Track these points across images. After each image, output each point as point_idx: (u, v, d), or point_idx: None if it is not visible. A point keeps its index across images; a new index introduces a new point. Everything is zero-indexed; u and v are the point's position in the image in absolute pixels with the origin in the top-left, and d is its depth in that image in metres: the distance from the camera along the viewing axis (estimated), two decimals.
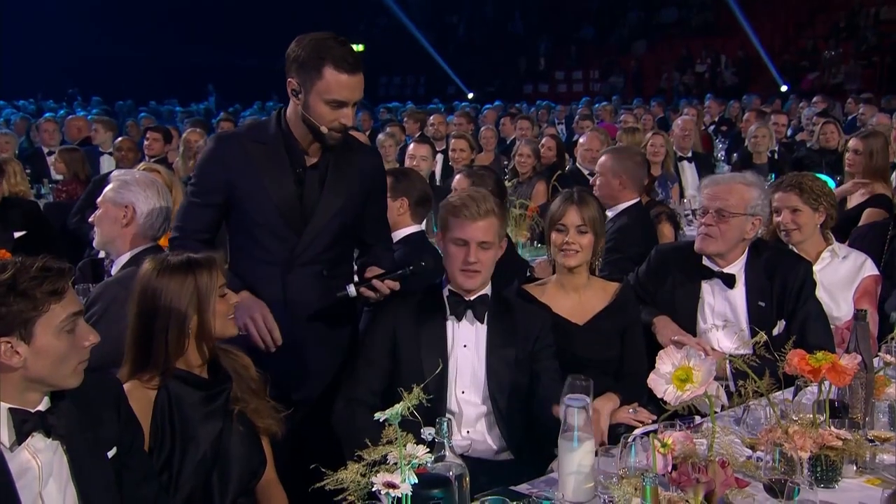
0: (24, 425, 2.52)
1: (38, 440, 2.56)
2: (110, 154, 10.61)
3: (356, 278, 3.79)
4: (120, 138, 10.08)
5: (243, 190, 3.67)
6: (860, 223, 6.18)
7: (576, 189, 4.19)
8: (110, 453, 2.72)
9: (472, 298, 3.64)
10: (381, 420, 2.35)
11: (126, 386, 3.02)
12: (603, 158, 5.89)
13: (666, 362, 2.69)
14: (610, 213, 5.66)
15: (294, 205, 3.68)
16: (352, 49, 3.54)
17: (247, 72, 27.28)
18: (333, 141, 3.61)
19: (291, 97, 3.61)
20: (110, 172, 8.96)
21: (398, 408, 2.32)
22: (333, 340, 3.86)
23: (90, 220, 4.32)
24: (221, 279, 3.16)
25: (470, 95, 28.37)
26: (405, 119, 13.26)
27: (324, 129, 3.55)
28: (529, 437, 3.60)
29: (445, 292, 3.68)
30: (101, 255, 6.30)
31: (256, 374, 3.29)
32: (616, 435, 3.59)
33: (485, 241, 3.60)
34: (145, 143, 9.96)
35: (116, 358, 3.64)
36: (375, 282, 3.58)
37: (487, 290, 3.68)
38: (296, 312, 3.71)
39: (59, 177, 9.78)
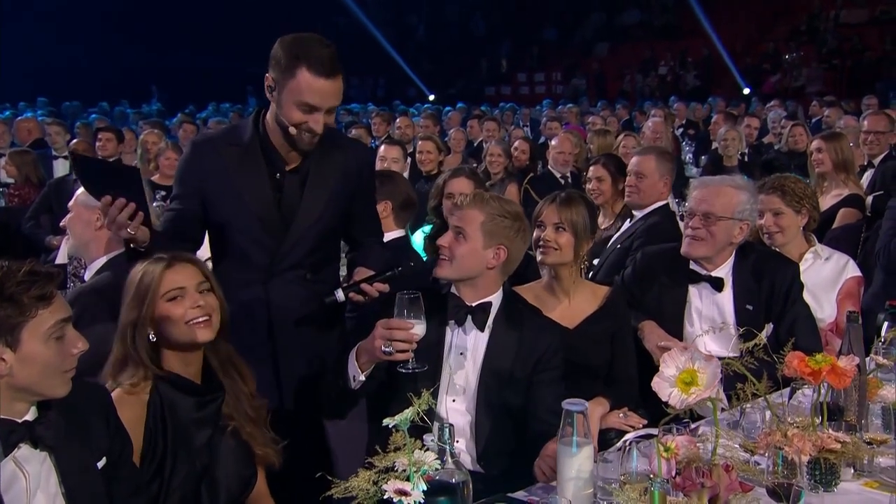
0: (10, 436, 2.45)
1: (25, 451, 2.49)
2: (65, 157, 10.41)
3: (343, 280, 3.73)
4: (74, 140, 9.89)
5: (218, 196, 3.60)
6: (834, 224, 6.21)
7: (567, 190, 4.18)
8: (100, 464, 2.67)
9: (472, 304, 3.55)
10: (390, 426, 2.30)
11: (118, 392, 2.98)
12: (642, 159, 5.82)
13: (670, 365, 2.66)
14: (638, 214, 5.71)
15: (272, 211, 3.60)
16: (332, 54, 3.46)
17: (195, 72, 26.85)
18: (303, 145, 3.53)
19: (267, 94, 3.54)
20: (66, 176, 8.88)
21: (408, 413, 2.28)
22: (319, 346, 3.77)
23: (61, 224, 4.23)
24: (171, 285, 3.05)
25: (431, 97, 28.27)
26: (373, 120, 13.17)
27: (292, 130, 3.48)
28: (503, 454, 3.51)
29: (449, 294, 3.61)
30: (59, 260, 6.18)
31: (258, 402, 3.25)
32: (606, 440, 3.58)
33: (456, 228, 3.54)
34: (98, 143, 9.80)
35: (92, 368, 3.55)
36: (364, 285, 3.50)
37: (492, 298, 3.58)
38: (279, 318, 3.65)
39: (10, 180, 9.52)
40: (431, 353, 3.43)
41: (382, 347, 3.22)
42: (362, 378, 3.37)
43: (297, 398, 3.72)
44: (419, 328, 3.20)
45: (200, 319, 3.07)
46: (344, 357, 3.47)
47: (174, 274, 3.07)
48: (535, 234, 3.98)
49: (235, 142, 3.65)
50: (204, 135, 4.38)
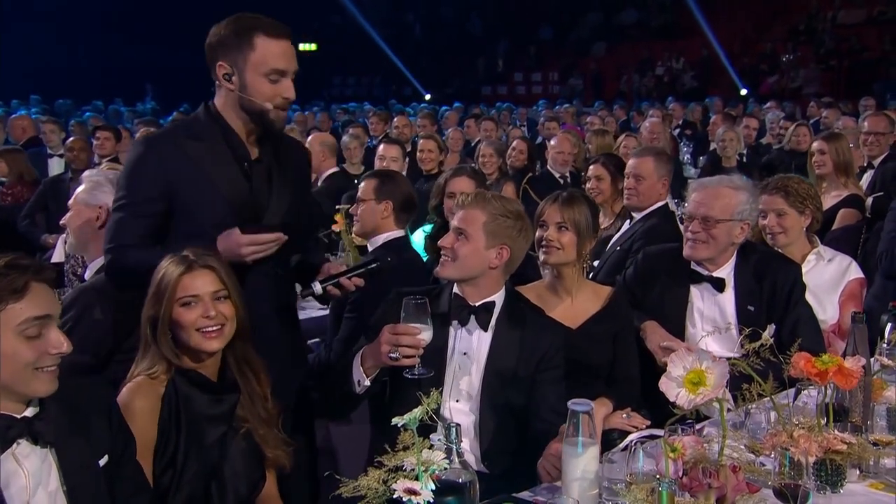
0: (7, 432, 2.43)
1: (24, 447, 2.47)
2: (60, 156, 10.35)
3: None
4: (71, 139, 9.73)
5: (189, 193, 3.42)
6: (834, 225, 6.21)
7: (569, 189, 4.17)
8: (102, 461, 2.65)
9: (476, 304, 3.55)
10: (399, 425, 2.29)
11: (137, 379, 2.99)
12: (640, 161, 5.77)
13: (677, 365, 2.65)
14: (637, 216, 5.68)
15: (246, 201, 3.48)
16: (276, 19, 3.42)
17: (187, 71, 26.61)
18: (280, 121, 3.46)
19: (223, 84, 3.42)
20: (62, 174, 8.83)
21: (417, 412, 2.27)
22: (292, 342, 3.77)
23: (61, 222, 4.21)
24: (186, 291, 3.03)
25: (427, 97, 28.23)
26: (370, 119, 13.14)
27: (268, 107, 3.38)
28: (506, 453, 3.50)
29: (451, 296, 3.60)
30: (55, 258, 6.16)
31: (271, 403, 3.23)
32: (609, 440, 3.55)
33: (458, 228, 3.53)
34: (95, 142, 9.69)
35: (94, 368, 3.54)
36: (342, 279, 3.49)
37: (495, 298, 3.58)
38: (254, 313, 3.47)
39: (3, 179, 9.40)
40: (434, 353, 3.41)
41: (389, 353, 3.21)
42: (367, 383, 3.36)
43: (274, 394, 3.66)
44: (426, 334, 3.19)
45: (211, 329, 3.04)
46: (346, 361, 3.46)
47: (191, 280, 3.04)
48: (537, 234, 3.97)
49: (195, 135, 3.50)
50: (156, 134, 4.22)
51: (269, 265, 3.53)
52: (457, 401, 3.51)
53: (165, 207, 3.44)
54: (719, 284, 4.17)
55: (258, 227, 3.30)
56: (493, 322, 3.54)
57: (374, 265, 3.53)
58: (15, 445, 2.45)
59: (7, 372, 2.39)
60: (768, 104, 17.05)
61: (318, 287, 3.48)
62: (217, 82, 3.47)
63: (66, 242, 4.74)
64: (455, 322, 3.54)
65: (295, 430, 3.61)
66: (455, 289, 3.59)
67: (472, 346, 3.53)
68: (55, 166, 10.44)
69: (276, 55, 3.36)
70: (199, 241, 3.37)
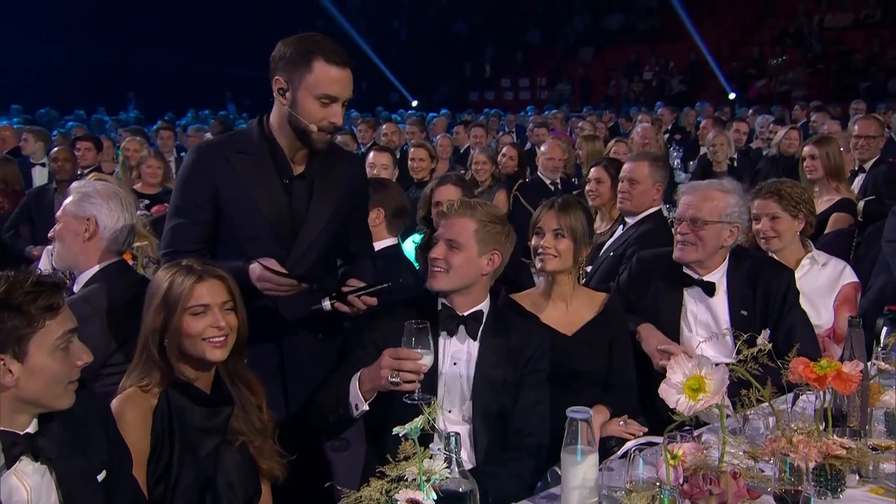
0: (13, 448, 2.44)
1: (25, 464, 2.48)
2: (42, 165, 10.27)
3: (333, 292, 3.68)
4: (56, 148, 9.60)
5: (231, 203, 3.53)
6: (827, 229, 6.20)
7: (563, 196, 4.15)
8: (100, 477, 2.64)
9: (465, 314, 3.53)
10: (400, 435, 2.27)
11: (129, 390, 2.99)
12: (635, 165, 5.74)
13: (677, 371, 2.64)
14: (630, 220, 5.66)
15: (284, 216, 3.55)
16: (340, 46, 3.49)
17: (172, 77, 26.49)
18: (321, 143, 3.52)
19: (277, 98, 3.52)
20: (46, 185, 8.74)
21: (418, 422, 2.25)
22: (325, 356, 3.74)
23: (49, 235, 4.16)
24: (198, 300, 3.03)
25: (414, 103, 28.20)
26: (358, 126, 13.11)
27: (312, 128, 3.45)
28: (501, 459, 3.48)
29: (439, 306, 3.57)
30: (41, 270, 6.09)
31: (266, 415, 3.22)
32: (607, 448, 3.54)
33: (451, 240, 3.50)
34: (76, 153, 9.57)
35: (83, 380, 3.50)
36: (352, 297, 3.45)
37: (482, 306, 3.57)
38: (288, 328, 3.60)
39: None
40: None
41: (389, 378, 3.17)
42: (365, 407, 3.33)
43: (304, 410, 3.65)
44: (427, 359, 3.16)
45: (217, 339, 3.05)
46: (336, 381, 3.45)
47: (203, 289, 3.04)
48: (533, 241, 3.96)
49: (243, 149, 3.60)
50: (207, 142, 4.31)
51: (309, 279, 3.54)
52: (449, 411, 3.50)
53: (213, 214, 3.56)
54: (709, 288, 4.17)
55: (279, 271, 3.33)
56: (480, 331, 3.54)
57: (385, 285, 3.48)
58: (17, 462, 2.45)
59: (38, 387, 2.42)
60: (752, 110, 17.05)
61: (326, 304, 3.44)
62: (274, 95, 3.56)
63: (52, 255, 4.69)
64: (444, 333, 3.52)
65: (296, 445, 3.60)
66: (442, 299, 3.57)
67: (461, 356, 3.52)
68: (38, 176, 10.35)
69: (330, 80, 3.43)
70: (235, 252, 3.51)
